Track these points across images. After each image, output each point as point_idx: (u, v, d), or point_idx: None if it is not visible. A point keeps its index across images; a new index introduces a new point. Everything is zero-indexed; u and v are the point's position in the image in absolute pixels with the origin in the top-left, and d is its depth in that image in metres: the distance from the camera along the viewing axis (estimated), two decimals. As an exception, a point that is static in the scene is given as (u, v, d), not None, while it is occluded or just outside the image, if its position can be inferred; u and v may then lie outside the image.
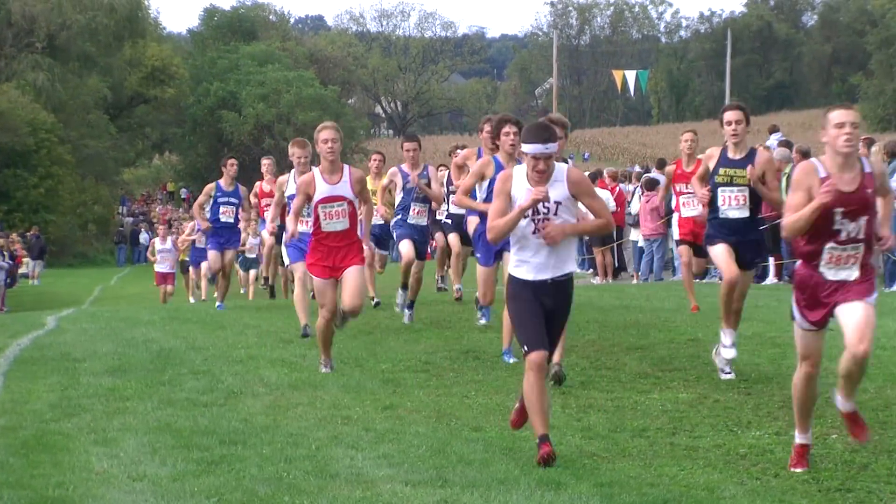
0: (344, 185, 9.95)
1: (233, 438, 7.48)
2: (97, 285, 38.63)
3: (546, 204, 6.98)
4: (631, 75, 59.08)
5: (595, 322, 13.14)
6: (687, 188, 13.30)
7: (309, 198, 9.95)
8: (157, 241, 27.97)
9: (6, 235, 39.88)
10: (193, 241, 24.84)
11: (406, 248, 13.75)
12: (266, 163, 18.09)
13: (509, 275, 7.26)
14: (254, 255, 25.48)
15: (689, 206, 13.36)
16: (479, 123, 11.87)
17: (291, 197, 17.02)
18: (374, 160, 16.88)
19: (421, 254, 13.91)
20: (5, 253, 32.83)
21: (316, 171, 10.11)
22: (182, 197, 73.64)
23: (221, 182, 16.66)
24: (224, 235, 16.74)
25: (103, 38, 58.69)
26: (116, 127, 65.04)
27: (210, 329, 13.53)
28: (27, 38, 56.67)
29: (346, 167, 10.14)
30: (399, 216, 14.07)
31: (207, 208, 16.79)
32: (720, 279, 10.03)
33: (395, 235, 14.50)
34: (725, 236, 9.62)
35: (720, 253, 9.61)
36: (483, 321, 12.71)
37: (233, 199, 16.59)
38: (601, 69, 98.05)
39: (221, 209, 16.47)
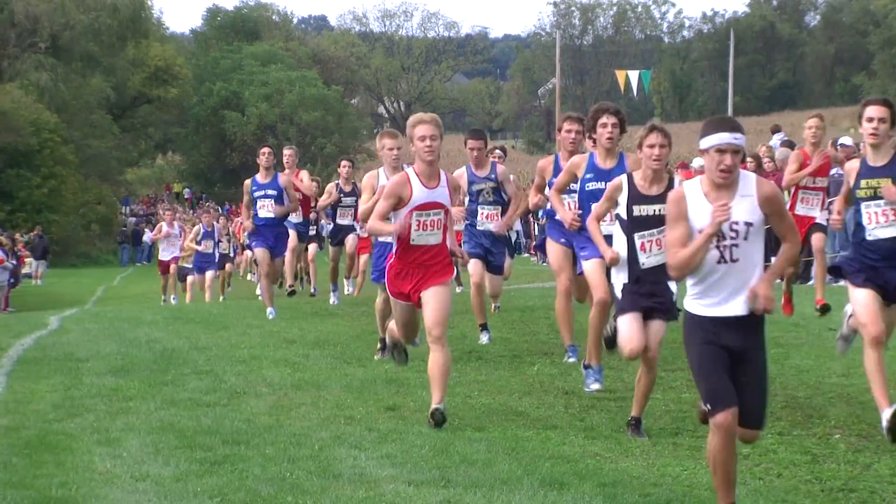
0: (442, 190, 8.44)
1: (236, 438, 7.49)
2: (100, 285, 38.64)
3: (734, 226, 5.67)
4: (634, 75, 58.94)
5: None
6: (814, 182, 12.12)
7: (400, 202, 8.27)
8: (163, 224, 25.75)
9: (11, 235, 39.91)
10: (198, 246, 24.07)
11: (474, 268, 12.02)
12: (288, 153, 16.72)
13: (686, 311, 5.95)
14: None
15: (807, 205, 12.16)
16: (559, 122, 10.74)
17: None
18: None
19: (497, 267, 12.30)
20: (8, 253, 32.82)
21: (410, 171, 8.46)
22: (185, 197, 73.71)
23: (258, 176, 15.10)
24: (268, 233, 14.92)
25: (106, 38, 58.76)
26: (119, 127, 65.10)
27: (213, 329, 13.54)
28: (30, 38, 56.71)
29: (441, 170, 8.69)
30: (468, 222, 12.13)
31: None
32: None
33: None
34: (873, 263, 7.79)
35: (864, 301, 7.62)
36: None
37: (270, 191, 14.93)
38: (604, 69, 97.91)
39: (259, 203, 14.90)
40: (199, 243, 23.70)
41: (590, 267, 9.21)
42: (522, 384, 9.49)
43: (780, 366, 10.08)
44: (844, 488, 6.39)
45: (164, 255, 25.18)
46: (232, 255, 28.08)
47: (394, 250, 8.49)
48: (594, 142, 9.34)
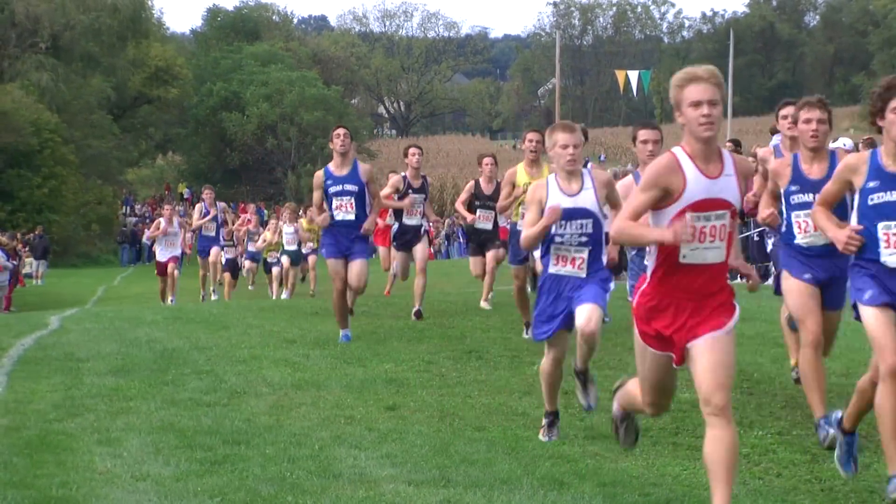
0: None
1: (236, 438, 7.49)
2: (101, 285, 38.63)
3: None
4: (633, 75, 58.96)
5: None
6: None
7: (666, 198, 5.48)
8: (161, 220, 22.59)
9: (13, 235, 39.92)
10: (200, 229, 22.61)
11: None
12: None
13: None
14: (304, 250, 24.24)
15: None
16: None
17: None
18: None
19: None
20: (10, 253, 32.81)
21: (680, 152, 6.21)
22: (185, 197, 73.75)
23: (331, 165, 12.07)
24: (341, 238, 12.03)
25: (107, 38, 58.76)
26: (120, 127, 65.11)
27: (213, 329, 13.54)
28: (31, 38, 56.71)
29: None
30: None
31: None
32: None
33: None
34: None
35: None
36: None
37: (349, 186, 11.94)
38: (604, 69, 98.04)
39: (335, 203, 11.96)
40: (198, 226, 22.65)
41: (873, 318, 6.26)
42: (522, 384, 9.50)
43: (780, 366, 10.09)
44: (843, 488, 6.39)
45: (162, 255, 22.27)
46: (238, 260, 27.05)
47: (649, 271, 5.70)
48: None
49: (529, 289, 12.82)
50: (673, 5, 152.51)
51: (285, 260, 24.23)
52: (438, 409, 8.54)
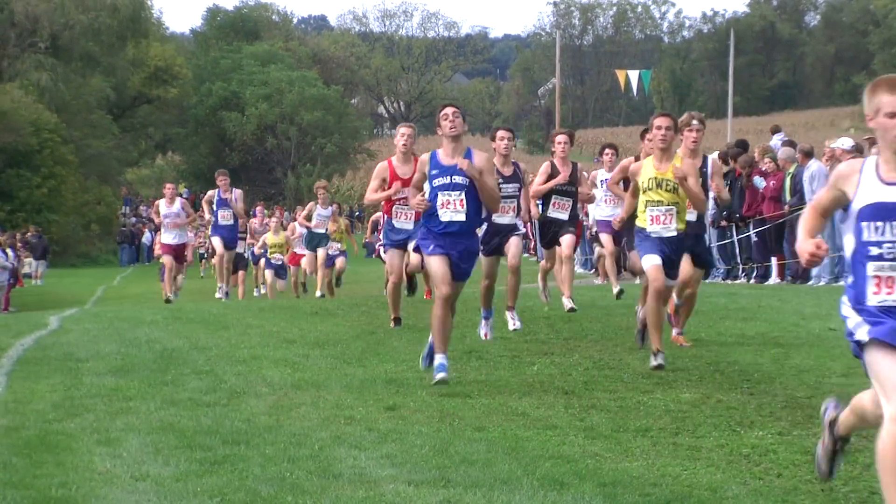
0: None
1: (236, 438, 7.48)
2: (100, 285, 38.65)
3: None
4: (634, 75, 59.00)
5: (598, 322, 13.13)
6: None
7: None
8: (161, 203, 21.17)
9: (12, 235, 39.93)
10: (217, 218, 21.01)
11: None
12: (503, 136, 12.40)
13: None
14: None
15: None
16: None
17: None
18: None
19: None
20: (9, 252, 32.81)
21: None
22: (185, 197, 73.75)
23: (440, 152, 9.66)
24: (448, 241, 9.63)
25: (106, 38, 58.80)
26: (119, 127, 65.18)
27: (213, 329, 13.54)
28: (30, 37, 56.76)
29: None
30: None
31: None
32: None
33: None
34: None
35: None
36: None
37: (458, 179, 9.48)
38: (604, 69, 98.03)
39: (441, 198, 9.49)
40: (214, 214, 21.01)
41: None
42: (522, 384, 9.49)
43: (780, 366, 10.08)
44: (844, 488, 6.38)
45: (168, 236, 20.97)
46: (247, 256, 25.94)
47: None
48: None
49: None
50: (673, 5, 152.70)
51: (319, 254, 22.66)
52: (438, 409, 8.53)
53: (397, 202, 12.73)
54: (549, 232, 13.92)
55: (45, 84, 54.85)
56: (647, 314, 10.10)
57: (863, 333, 5.16)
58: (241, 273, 23.30)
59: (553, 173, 13.67)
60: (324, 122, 72.14)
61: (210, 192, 21.36)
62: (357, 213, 65.00)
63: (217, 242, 21.21)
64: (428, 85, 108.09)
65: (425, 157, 9.74)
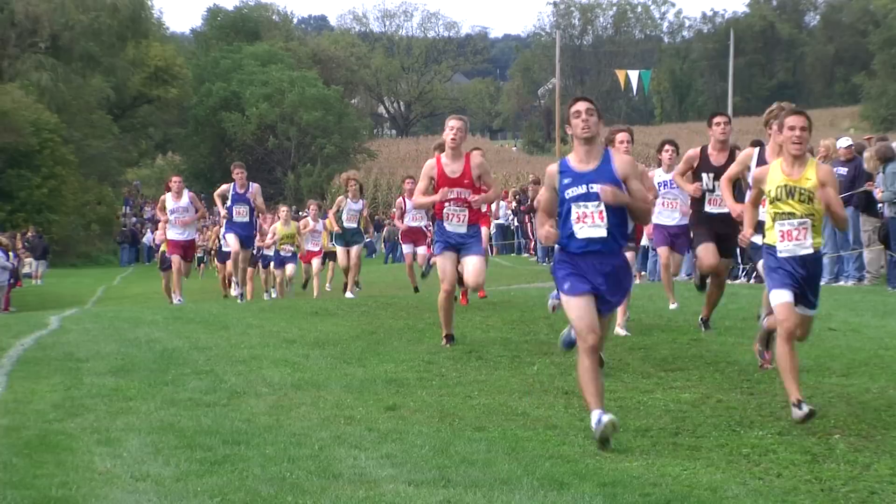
0: None
1: (236, 438, 7.49)
2: (100, 285, 38.64)
3: None
4: (634, 75, 59.05)
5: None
6: None
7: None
8: (168, 197, 20.00)
9: (13, 235, 39.93)
10: (231, 215, 19.57)
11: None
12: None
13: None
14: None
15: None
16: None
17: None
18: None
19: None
20: (10, 252, 32.80)
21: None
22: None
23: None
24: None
25: (106, 38, 58.81)
26: (119, 127, 65.15)
27: (213, 329, 13.54)
28: (30, 38, 56.76)
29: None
30: None
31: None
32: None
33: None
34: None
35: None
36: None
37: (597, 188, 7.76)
38: (604, 69, 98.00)
39: (576, 211, 7.71)
40: (229, 210, 19.52)
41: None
42: (522, 384, 9.50)
43: (780, 366, 10.08)
44: (844, 488, 6.39)
45: (174, 233, 19.91)
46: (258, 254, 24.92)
47: None
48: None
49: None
50: (673, 5, 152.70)
51: (353, 251, 21.08)
52: (438, 409, 8.54)
53: (448, 202, 11.76)
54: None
55: (45, 84, 54.83)
56: (778, 361, 8.24)
57: None
58: (250, 270, 22.85)
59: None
60: (324, 122, 72.13)
61: (224, 187, 19.93)
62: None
63: (232, 239, 19.82)
64: (428, 85, 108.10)
65: (553, 168, 7.93)
